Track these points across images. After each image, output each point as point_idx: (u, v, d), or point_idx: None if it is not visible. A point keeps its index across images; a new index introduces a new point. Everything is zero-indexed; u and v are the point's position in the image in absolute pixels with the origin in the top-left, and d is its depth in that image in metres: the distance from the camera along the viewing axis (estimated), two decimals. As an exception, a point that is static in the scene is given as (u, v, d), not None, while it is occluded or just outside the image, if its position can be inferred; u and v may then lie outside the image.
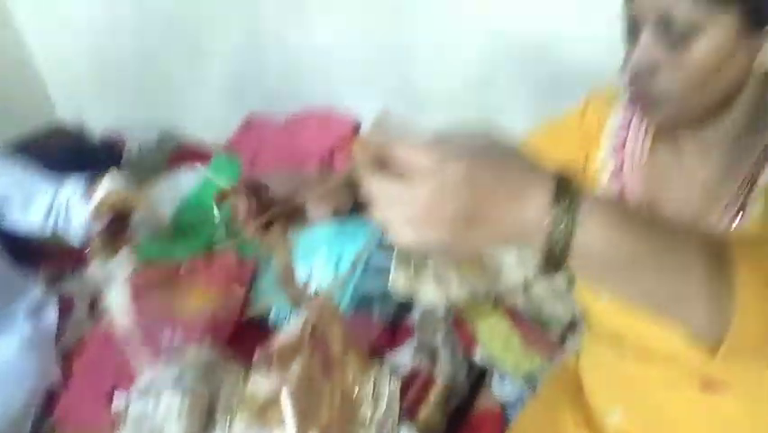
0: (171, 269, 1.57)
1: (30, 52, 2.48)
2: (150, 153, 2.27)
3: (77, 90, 2.52)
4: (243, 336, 1.34)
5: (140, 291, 1.48)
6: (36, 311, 1.35)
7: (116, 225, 1.14)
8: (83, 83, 2.49)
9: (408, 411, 1.12)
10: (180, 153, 2.21)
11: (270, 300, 1.39)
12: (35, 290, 1.38)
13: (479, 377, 1.28)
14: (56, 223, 1.23)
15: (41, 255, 1.57)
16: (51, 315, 1.38)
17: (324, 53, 1.93)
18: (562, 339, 1.32)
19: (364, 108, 1.98)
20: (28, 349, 1.26)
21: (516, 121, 1.23)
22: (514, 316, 1.30)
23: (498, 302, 1.32)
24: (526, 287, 1.32)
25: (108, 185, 1.17)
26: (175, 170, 2.03)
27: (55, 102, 2.57)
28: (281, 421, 1.08)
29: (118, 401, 1.17)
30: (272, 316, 1.36)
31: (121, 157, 2.23)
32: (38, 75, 2.53)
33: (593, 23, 1.16)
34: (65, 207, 1.22)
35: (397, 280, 1.28)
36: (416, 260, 1.31)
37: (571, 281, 1.34)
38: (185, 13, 2.10)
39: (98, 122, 2.48)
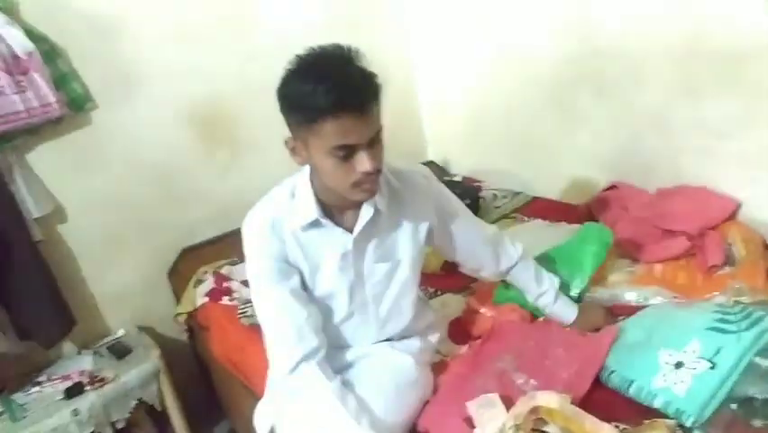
0: (527, 315, 1.64)
1: (417, 99, 2.85)
2: (504, 201, 2.41)
3: (449, 138, 2.82)
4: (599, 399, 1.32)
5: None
6: (426, 332, 1.52)
7: None
8: (454, 132, 2.78)
9: None
10: (535, 206, 2.30)
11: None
12: (429, 314, 1.56)
13: None
14: None
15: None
16: (436, 336, 1.54)
17: (711, 135, 1.84)
18: None
19: (746, 198, 1.84)
20: (418, 363, 1.42)
21: None
22: None
23: None
24: None
25: None
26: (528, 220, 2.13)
27: (429, 143, 2.90)
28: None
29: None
30: (632, 392, 1.31)
31: (477, 198, 2.39)
32: (419, 118, 2.89)
33: None
34: None
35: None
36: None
37: None
38: (564, 80, 2.19)
39: (461, 167, 2.73)
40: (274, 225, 1.28)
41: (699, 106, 1.83)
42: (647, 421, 1.22)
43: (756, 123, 1.74)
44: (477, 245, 1.49)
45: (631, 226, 1.90)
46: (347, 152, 1.12)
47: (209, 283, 2.14)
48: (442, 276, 1.95)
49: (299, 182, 1.29)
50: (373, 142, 1.14)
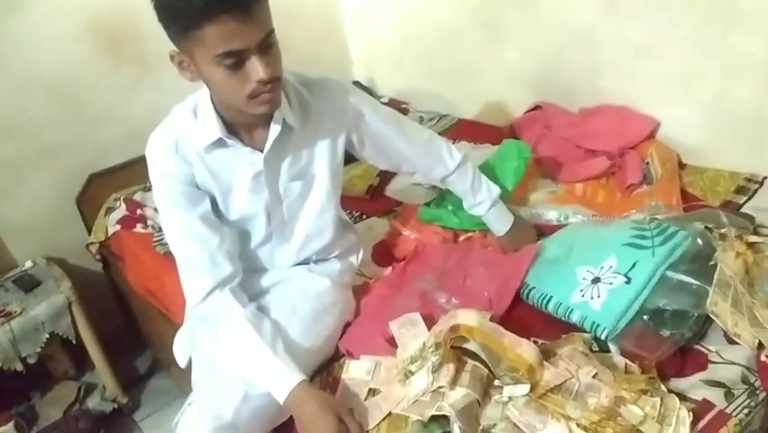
0: (449, 236, 1.63)
1: (341, 17, 2.72)
2: (430, 123, 2.37)
3: (375, 56, 2.72)
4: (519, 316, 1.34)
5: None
6: (346, 253, 1.48)
7: None
8: (381, 50, 2.68)
9: (695, 445, 1.03)
10: (460, 128, 2.27)
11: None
12: (351, 235, 1.51)
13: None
14: None
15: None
16: (357, 257, 1.51)
17: (633, 53, 1.83)
18: None
19: (665, 117, 1.86)
20: (336, 285, 1.39)
21: None
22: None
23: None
24: None
25: None
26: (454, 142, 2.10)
27: (354, 63, 2.79)
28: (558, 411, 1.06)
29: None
30: (550, 307, 1.33)
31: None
32: (344, 38, 2.77)
33: None
34: None
35: (716, 304, 1.17)
36: (735, 292, 1.19)
37: None
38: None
39: (388, 87, 2.66)
40: (177, 147, 1.18)
41: (623, 23, 1.81)
42: (564, 336, 1.25)
43: (676, 42, 1.74)
44: (406, 153, 1.43)
45: (553, 146, 1.90)
46: (236, 60, 1.02)
47: (121, 211, 2.03)
48: (367, 200, 1.92)
49: (201, 99, 1.19)
50: (265, 47, 1.04)
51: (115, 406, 2.12)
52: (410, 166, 1.48)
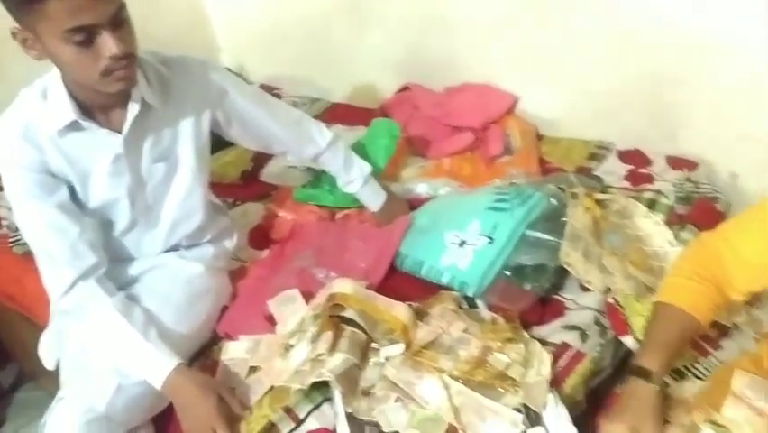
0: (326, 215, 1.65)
1: (205, 4, 2.65)
2: (303, 108, 2.37)
3: (242, 42, 2.68)
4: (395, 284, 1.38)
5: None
6: (220, 236, 1.45)
7: None
8: (248, 36, 2.64)
9: (554, 382, 1.12)
10: (333, 112, 2.30)
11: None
12: (223, 219, 1.49)
13: (623, 361, 1.26)
14: None
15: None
16: (231, 241, 1.48)
17: (487, 35, 1.95)
18: (716, 342, 1.27)
19: (523, 93, 2.00)
20: (210, 269, 1.37)
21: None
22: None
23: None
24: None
25: None
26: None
27: (221, 50, 2.74)
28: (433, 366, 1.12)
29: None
30: (423, 272, 1.39)
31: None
32: (210, 25, 2.70)
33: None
34: None
35: (568, 255, 1.28)
36: (585, 243, 1.30)
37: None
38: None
39: (258, 74, 2.63)
40: (26, 133, 1.11)
41: (475, 7, 1.91)
42: (434, 296, 1.31)
43: (526, 25, 1.86)
44: (275, 131, 1.42)
45: (422, 125, 1.97)
46: (86, 36, 0.98)
47: (-30, 213, 1.86)
48: (241, 186, 1.89)
49: (51, 81, 1.12)
50: (117, 22, 1.00)
51: (-23, 425, 1.95)
52: (281, 145, 1.48)
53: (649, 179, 1.67)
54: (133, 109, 1.14)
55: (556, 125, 1.97)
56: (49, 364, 1.31)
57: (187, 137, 1.26)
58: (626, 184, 1.67)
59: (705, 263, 1.03)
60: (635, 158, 1.78)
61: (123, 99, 1.14)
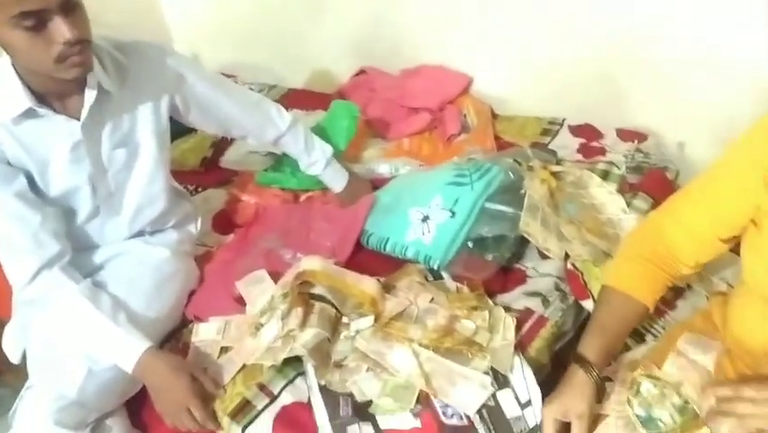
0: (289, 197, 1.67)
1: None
2: (261, 93, 2.36)
3: (196, 31, 2.65)
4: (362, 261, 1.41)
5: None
6: (184, 221, 1.45)
7: None
8: (202, 24, 2.62)
9: (519, 346, 1.17)
10: (291, 97, 2.30)
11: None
12: (186, 204, 1.49)
13: (585, 323, 1.31)
14: None
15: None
16: (195, 226, 1.48)
17: (439, 20, 1.98)
18: (672, 303, 1.33)
19: (476, 74, 2.04)
20: (176, 254, 1.37)
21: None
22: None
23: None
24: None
25: None
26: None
27: (174, 40, 2.70)
28: (402, 336, 1.15)
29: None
30: (388, 248, 1.42)
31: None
32: (162, 13, 2.67)
33: None
34: None
35: (528, 225, 1.32)
36: (543, 213, 1.35)
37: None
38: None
39: (213, 62, 2.60)
40: None
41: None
42: (401, 269, 1.34)
43: (474, 9, 1.90)
44: (234, 114, 1.42)
45: (379, 107, 2.00)
46: (36, 21, 0.97)
47: None
48: (202, 172, 1.88)
49: (1, 68, 1.09)
50: (68, 7, 0.99)
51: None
52: (240, 129, 1.48)
53: (601, 151, 1.73)
54: (90, 95, 1.13)
55: (510, 104, 2.02)
56: (14, 358, 1.29)
57: (146, 122, 1.25)
58: (579, 157, 1.73)
59: (650, 244, 1.05)
60: (586, 132, 1.84)
61: (78, 86, 1.13)
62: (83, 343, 1.12)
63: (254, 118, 1.47)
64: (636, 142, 1.75)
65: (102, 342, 1.11)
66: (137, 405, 1.21)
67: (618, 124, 1.82)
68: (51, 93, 1.13)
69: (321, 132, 1.67)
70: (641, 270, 1.04)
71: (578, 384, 0.98)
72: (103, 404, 1.13)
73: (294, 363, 1.15)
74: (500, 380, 1.09)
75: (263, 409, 1.10)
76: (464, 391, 1.06)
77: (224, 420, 1.10)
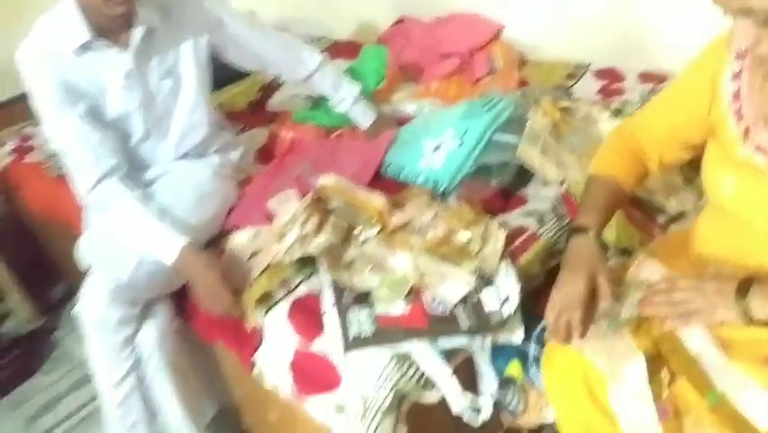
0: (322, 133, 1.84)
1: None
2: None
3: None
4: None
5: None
6: (225, 149, 1.65)
7: None
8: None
9: (511, 256, 1.30)
10: (336, 48, 2.46)
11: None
12: (226, 134, 1.69)
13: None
14: None
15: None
16: (236, 153, 1.68)
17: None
18: (666, 227, 1.42)
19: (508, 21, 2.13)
20: (218, 175, 1.57)
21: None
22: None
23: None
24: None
25: None
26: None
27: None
28: (404, 244, 1.31)
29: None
30: (402, 176, 1.56)
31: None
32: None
33: None
34: None
35: (526, 152, 1.44)
36: (544, 142, 1.46)
37: (689, 180, 1.45)
38: None
39: (266, 18, 2.78)
40: (46, 53, 1.31)
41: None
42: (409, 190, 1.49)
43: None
44: (267, 53, 1.61)
45: (413, 53, 2.13)
46: None
47: (11, 145, 2.11)
48: (248, 113, 2.08)
49: (65, 6, 1.31)
50: None
51: (32, 328, 2.23)
52: (275, 67, 1.66)
53: (619, 92, 1.81)
54: (139, 31, 1.34)
55: (541, 51, 2.11)
56: (86, 265, 1.54)
57: (188, 57, 1.45)
58: (598, 98, 1.81)
59: (624, 141, 1.17)
60: (609, 75, 1.91)
61: (128, 23, 1.33)
62: (134, 239, 1.34)
63: (285, 57, 1.64)
64: (656, 83, 1.80)
65: (149, 238, 1.32)
66: (180, 299, 1.43)
67: (643, 69, 1.87)
68: (106, 28, 1.34)
69: (352, 73, 1.83)
70: (619, 159, 1.15)
71: (586, 249, 1.04)
72: (150, 289, 1.35)
73: (310, 264, 1.33)
74: (485, 279, 1.23)
75: (282, 299, 1.30)
76: (450, 286, 1.21)
77: (250, 309, 1.30)
